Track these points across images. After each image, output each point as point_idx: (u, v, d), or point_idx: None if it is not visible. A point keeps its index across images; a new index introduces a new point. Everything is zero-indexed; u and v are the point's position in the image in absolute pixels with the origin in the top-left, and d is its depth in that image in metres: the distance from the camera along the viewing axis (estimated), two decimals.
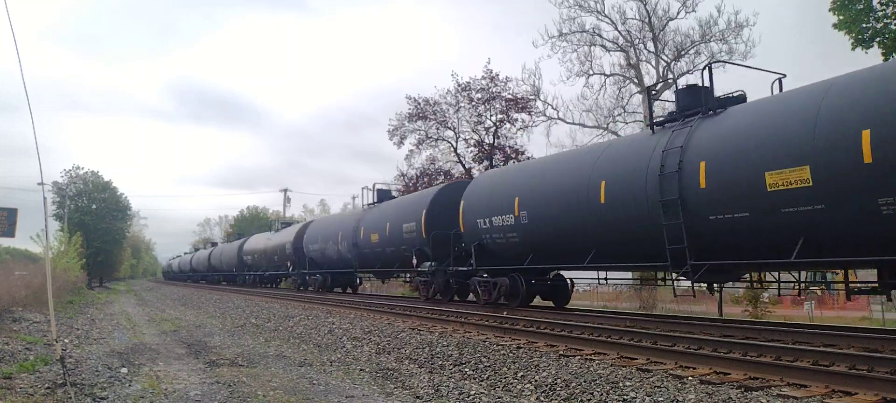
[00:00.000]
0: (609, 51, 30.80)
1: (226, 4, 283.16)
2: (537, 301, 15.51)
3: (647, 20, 29.43)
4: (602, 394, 5.98)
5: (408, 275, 21.17)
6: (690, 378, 6.24)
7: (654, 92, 29.41)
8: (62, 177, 52.76)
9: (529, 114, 31.58)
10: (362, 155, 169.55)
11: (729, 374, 6.39)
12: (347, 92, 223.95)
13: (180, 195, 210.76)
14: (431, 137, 33.16)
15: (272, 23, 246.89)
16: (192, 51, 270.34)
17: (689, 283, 10.42)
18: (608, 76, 31.19)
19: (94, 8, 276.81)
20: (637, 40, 29.98)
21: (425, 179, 31.66)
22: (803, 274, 10.30)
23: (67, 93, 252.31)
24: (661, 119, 11.03)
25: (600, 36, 30.37)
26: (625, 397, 5.80)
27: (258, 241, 37.38)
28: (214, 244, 62.59)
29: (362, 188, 23.84)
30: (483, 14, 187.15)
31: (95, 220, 51.80)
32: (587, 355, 7.94)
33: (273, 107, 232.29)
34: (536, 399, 6.29)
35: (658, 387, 5.96)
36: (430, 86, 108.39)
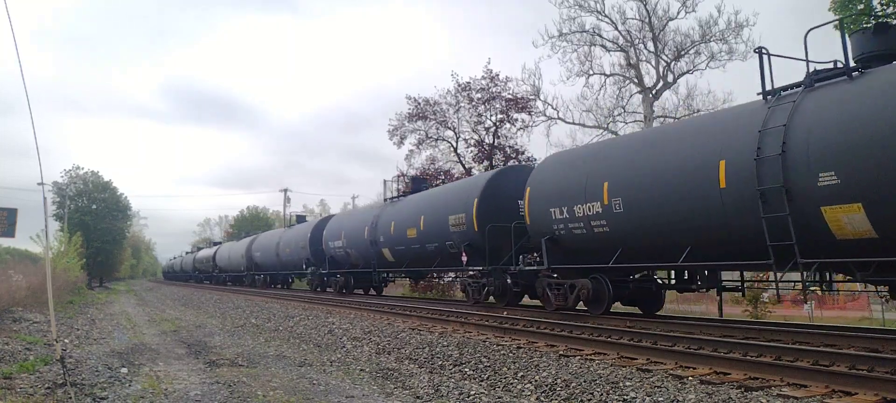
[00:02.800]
0: (609, 51, 30.79)
1: (220, 6, 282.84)
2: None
3: (647, 20, 29.43)
4: (602, 394, 5.98)
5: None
6: (690, 378, 6.24)
7: (653, 93, 29.44)
8: (62, 177, 52.91)
9: (529, 114, 31.57)
10: (360, 155, 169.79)
11: (729, 374, 6.39)
12: (344, 93, 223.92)
13: (179, 195, 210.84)
14: (431, 137, 33.17)
15: (267, 25, 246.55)
16: (188, 52, 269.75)
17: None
18: (608, 76, 31.17)
19: (88, 10, 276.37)
20: (637, 40, 29.97)
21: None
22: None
23: (64, 95, 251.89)
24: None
25: (600, 36, 30.36)
26: (625, 397, 5.80)
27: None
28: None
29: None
30: (478, 15, 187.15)
31: (95, 220, 51.87)
32: (587, 355, 7.94)
33: (270, 108, 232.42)
34: (536, 399, 6.29)
35: (658, 387, 5.96)
36: (427, 88, 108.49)
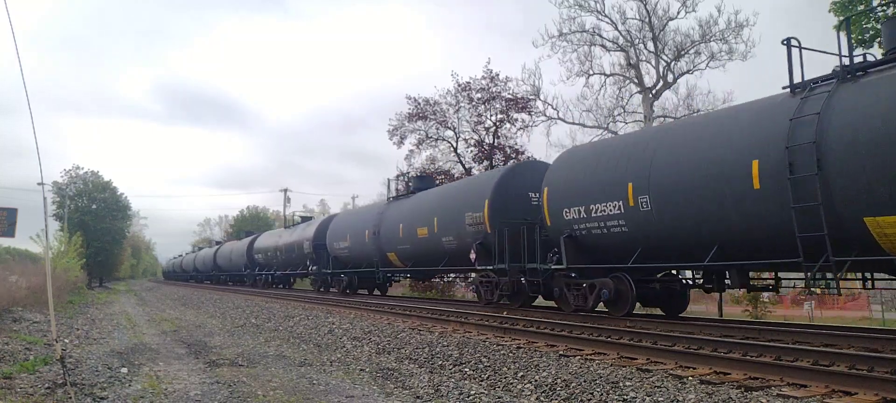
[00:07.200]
0: (609, 51, 30.79)
1: (216, 7, 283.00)
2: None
3: (647, 20, 29.43)
4: (602, 394, 5.98)
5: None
6: (690, 378, 6.24)
7: (653, 93, 29.44)
8: (62, 177, 52.94)
9: (529, 114, 31.59)
10: (357, 156, 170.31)
11: (729, 374, 6.38)
12: (340, 94, 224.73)
13: (178, 195, 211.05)
14: (431, 137, 33.18)
15: (261, 26, 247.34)
16: (184, 54, 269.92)
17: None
18: (608, 76, 31.16)
19: (83, 12, 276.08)
20: (637, 40, 29.97)
21: None
22: None
23: (61, 96, 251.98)
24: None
25: (600, 36, 30.37)
26: (625, 397, 5.80)
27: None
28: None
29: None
30: (476, 19, 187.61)
31: (95, 220, 51.91)
32: (587, 355, 7.94)
33: (266, 109, 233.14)
34: (536, 399, 6.28)
35: (658, 387, 5.96)
36: (425, 90, 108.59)
